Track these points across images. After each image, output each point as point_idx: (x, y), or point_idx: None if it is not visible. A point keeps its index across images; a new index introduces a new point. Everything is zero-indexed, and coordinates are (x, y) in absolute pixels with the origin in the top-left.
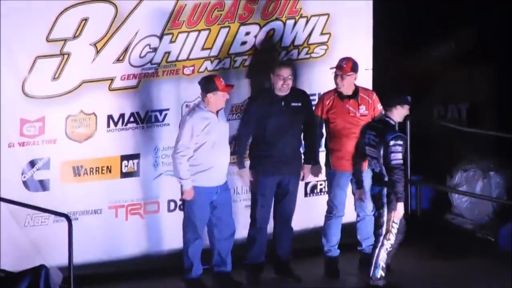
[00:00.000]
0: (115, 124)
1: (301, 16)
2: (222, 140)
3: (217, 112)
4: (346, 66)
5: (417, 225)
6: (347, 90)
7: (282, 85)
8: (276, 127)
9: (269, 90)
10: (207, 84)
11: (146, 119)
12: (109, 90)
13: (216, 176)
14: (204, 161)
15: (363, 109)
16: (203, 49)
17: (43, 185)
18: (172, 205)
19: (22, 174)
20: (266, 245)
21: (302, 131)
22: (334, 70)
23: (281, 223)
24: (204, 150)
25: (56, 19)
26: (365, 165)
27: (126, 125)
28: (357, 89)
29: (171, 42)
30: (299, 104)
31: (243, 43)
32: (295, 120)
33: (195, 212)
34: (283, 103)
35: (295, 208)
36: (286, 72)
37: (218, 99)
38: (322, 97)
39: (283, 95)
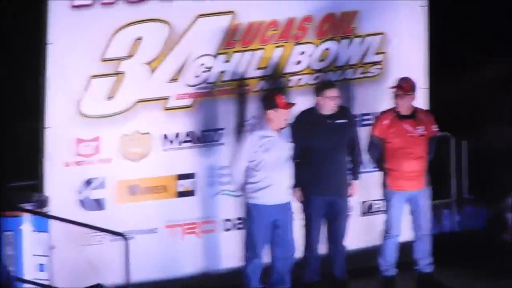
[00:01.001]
0: (171, 143)
1: (356, 36)
2: (282, 159)
3: (280, 130)
4: (406, 86)
5: (472, 244)
6: (406, 110)
7: (333, 105)
8: (323, 146)
9: (313, 110)
10: (268, 101)
11: (201, 138)
12: (164, 109)
13: (277, 194)
14: (263, 179)
15: (420, 129)
16: (257, 68)
17: (99, 204)
18: (228, 224)
19: (78, 193)
20: (321, 264)
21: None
22: (393, 89)
23: (334, 243)
24: (263, 168)
25: (111, 38)
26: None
27: (181, 144)
28: (415, 110)
29: (225, 61)
30: (345, 120)
31: (298, 62)
32: (341, 137)
33: (254, 231)
34: (329, 121)
35: (347, 227)
36: (335, 92)
37: (278, 116)
38: (379, 117)
39: (329, 113)
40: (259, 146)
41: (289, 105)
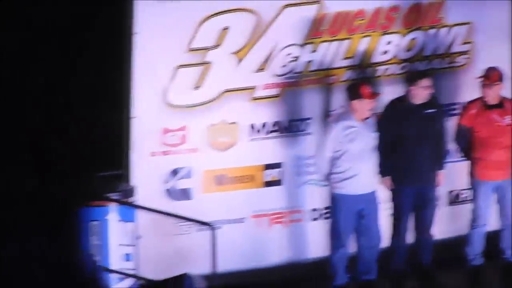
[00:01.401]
0: (258, 133)
1: (443, 26)
2: (367, 149)
3: (365, 120)
4: (494, 76)
5: None
6: (493, 99)
7: (426, 95)
8: (413, 135)
9: (404, 99)
10: (353, 91)
11: (288, 128)
12: (251, 99)
13: (362, 184)
14: (348, 169)
15: (508, 118)
16: (344, 58)
17: (185, 194)
18: (315, 214)
19: (165, 183)
20: (408, 253)
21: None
22: (480, 79)
23: (421, 232)
24: (348, 157)
25: (197, 28)
26: None
27: (268, 134)
28: (503, 99)
29: (312, 51)
30: (435, 110)
31: (385, 52)
32: (431, 126)
33: (339, 220)
34: (420, 111)
35: (435, 217)
36: (428, 82)
37: (363, 106)
38: (467, 106)
39: (420, 103)
40: (344, 136)
41: (374, 95)
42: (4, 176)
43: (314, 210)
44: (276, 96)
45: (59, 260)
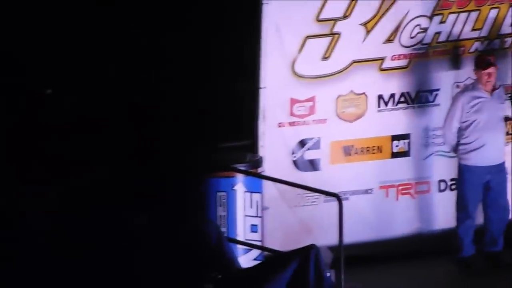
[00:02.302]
0: (386, 104)
1: None
2: (495, 120)
3: (493, 91)
4: None
5: None
6: None
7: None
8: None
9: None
10: (480, 62)
11: (416, 99)
12: (380, 70)
13: (489, 156)
14: (474, 140)
15: None
16: (473, 29)
17: (313, 165)
18: (442, 185)
19: (292, 154)
20: None
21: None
22: None
23: None
24: (475, 128)
25: None
26: None
27: (396, 105)
28: None
29: (441, 22)
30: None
31: None
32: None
33: (466, 192)
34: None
35: None
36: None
37: (491, 77)
38: None
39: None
40: (471, 107)
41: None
42: (134, 146)
43: (441, 181)
44: (404, 67)
45: (186, 230)
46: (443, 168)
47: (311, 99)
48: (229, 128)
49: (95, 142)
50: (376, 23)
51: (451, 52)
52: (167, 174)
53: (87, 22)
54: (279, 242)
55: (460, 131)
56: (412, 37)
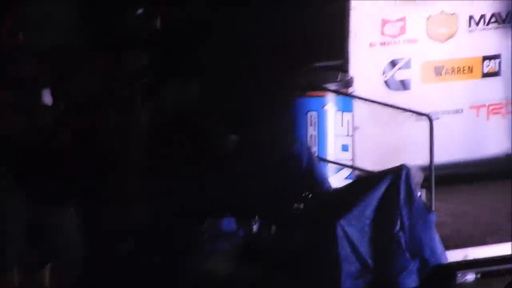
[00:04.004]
0: (477, 24)
1: None
2: None
3: None
4: None
5: None
6: None
7: None
8: None
9: None
10: None
11: (507, 19)
12: None
13: None
14: None
15: None
16: None
17: (404, 85)
18: None
19: (383, 73)
20: None
21: None
22: None
23: None
24: None
25: None
26: None
27: (487, 25)
28: None
29: None
30: None
31: None
32: None
33: None
34: None
35: None
36: None
37: None
38: None
39: None
40: None
41: None
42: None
43: None
44: None
45: (277, 150)
46: None
47: (402, 19)
48: (320, 48)
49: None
50: None
51: None
52: (258, 95)
53: None
54: (369, 162)
55: None
56: None
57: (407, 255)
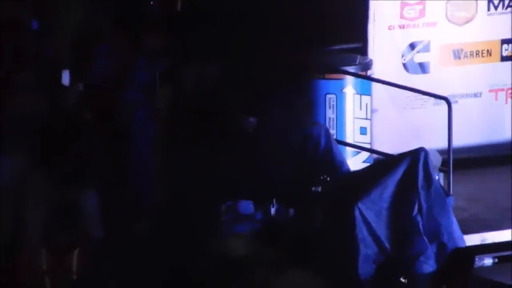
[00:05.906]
0: (495, 8)
1: None
2: None
3: None
4: None
5: None
6: None
7: None
8: None
9: None
10: None
11: None
12: None
13: None
14: None
15: None
16: None
17: (422, 68)
18: None
19: (402, 56)
20: None
21: None
22: None
23: None
24: None
25: None
26: None
27: (506, 8)
28: None
29: None
30: None
31: None
32: None
33: None
34: None
35: None
36: None
37: None
38: None
39: None
40: None
41: None
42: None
43: None
44: None
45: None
46: None
47: (422, 2)
48: (340, 31)
49: None
50: None
51: None
52: (278, 77)
53: None
54: (388, 145)
55: None
56: None
57: (425, 239)
